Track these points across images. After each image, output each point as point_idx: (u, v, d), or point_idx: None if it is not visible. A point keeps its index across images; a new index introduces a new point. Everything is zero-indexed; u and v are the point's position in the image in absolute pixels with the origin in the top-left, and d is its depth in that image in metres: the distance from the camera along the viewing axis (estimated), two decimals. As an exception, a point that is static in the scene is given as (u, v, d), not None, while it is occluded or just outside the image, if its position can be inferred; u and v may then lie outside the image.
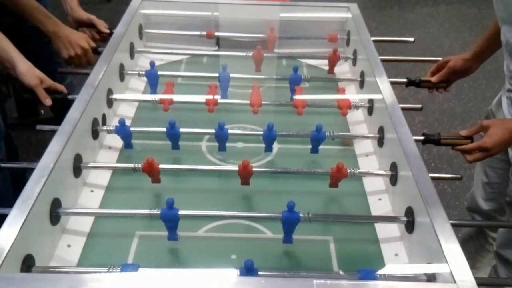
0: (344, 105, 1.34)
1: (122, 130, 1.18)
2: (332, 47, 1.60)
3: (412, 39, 1.83)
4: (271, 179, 1.17)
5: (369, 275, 0.82)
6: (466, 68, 1.43)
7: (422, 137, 1.20)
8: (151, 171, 1.06)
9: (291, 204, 0.91)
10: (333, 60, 1.60)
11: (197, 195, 1.13)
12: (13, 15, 1.40)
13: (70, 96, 1.27)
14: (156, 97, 1.36)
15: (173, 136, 1.18)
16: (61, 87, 1.28)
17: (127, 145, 1.21)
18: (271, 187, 1.16)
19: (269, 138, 1.19)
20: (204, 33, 1.69)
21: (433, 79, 1.46)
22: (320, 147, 1.21)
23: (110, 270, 0.82)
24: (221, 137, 1.18)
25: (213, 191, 1.15)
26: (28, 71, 1.22)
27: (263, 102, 1.33)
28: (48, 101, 1.23)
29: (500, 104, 1.36)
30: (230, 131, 1.19)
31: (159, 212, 0.92)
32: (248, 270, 0.80)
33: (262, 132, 1.19)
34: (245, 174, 1.07)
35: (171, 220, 0.93)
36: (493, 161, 1.41)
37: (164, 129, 1.18)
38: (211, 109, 1.29)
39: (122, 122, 1.17)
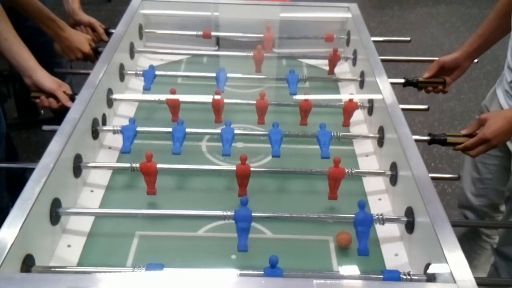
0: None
1: (128, 131, 1.17)
2: (332, 47, 1.60)
3: (408, 39, 1.85)
4: (271, 179, 1.17)
5: (393, 275, 0.82)
6: (455, 66, 1.44)
7: (428, 138, 1.21)
8: (149, 172, 1.05)
9: None
10: (334, 60, 1.59)
11: (197, 195, 1.13)
12: (11, 15, 1.40)
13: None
14: (157, 96, 1.36)
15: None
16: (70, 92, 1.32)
17: (126, 148, 1.16)
18: (271, 187, 1.16)
19: (275, 140, 1.17)
20: (201, 33, 1.68)
21: (425, 75, 1.46)
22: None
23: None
24: (226, 138, 1.17)
25: (213, 191, 1.15)
26: (48, 76, 1.29)
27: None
28: (69, 103, 1.25)
29: (493, 97, 1.37)
30: (236, 131, 1.18)
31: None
32: (273, 266, 0.80)
33: (267, 133, 1.19)
34: (243, 176, 1.05)
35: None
36: (485, 156, 1.41)
37: (169, 129, 1.18)
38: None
39: (132, 125, 1.17)
